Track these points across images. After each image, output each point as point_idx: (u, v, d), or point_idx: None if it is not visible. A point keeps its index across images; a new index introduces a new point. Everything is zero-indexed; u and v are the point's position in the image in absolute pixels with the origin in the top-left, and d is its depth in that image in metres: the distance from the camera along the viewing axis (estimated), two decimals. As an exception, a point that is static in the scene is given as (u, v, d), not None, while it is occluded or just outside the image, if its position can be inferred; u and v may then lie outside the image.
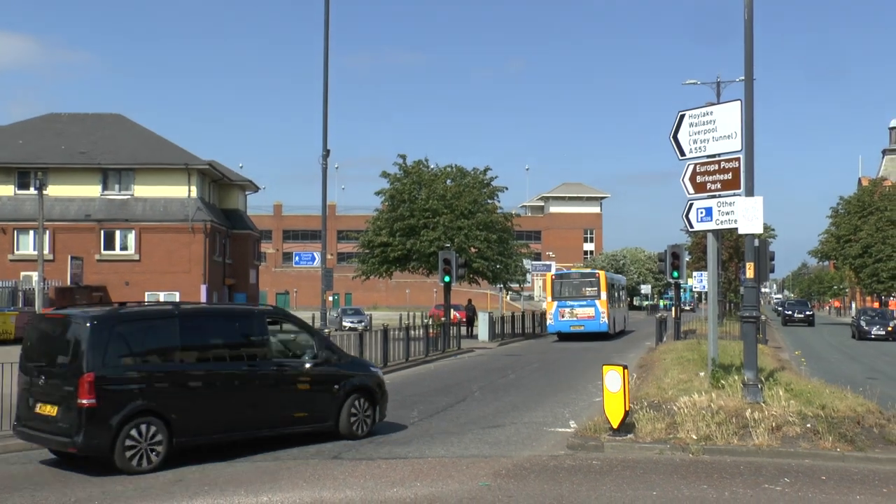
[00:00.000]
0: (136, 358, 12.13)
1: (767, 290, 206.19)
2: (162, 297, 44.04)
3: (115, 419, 11.51)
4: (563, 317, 41.81)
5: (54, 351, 12.25)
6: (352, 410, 14.19)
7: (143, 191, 44.78)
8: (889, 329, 44.78)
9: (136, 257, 44.29)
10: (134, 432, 11.65)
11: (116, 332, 12.00)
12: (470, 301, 50.67)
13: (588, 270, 51.35)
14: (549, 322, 43.18)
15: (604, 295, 41.82)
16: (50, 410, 11.85)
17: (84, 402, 11.33)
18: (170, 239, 44.17)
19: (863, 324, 46.12)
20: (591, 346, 37.37)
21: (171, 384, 12.21)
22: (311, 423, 13.87)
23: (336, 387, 14.12)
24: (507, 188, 45.20)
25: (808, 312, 65.86)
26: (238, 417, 12.89)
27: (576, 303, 41.69)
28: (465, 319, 44.72)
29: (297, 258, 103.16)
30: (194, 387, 12.50)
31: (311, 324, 17.47)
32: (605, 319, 41.57)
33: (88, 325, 11.78)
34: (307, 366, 13.83)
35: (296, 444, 13.77)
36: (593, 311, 41.28)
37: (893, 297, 72.21)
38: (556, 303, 42.27)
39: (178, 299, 43.99)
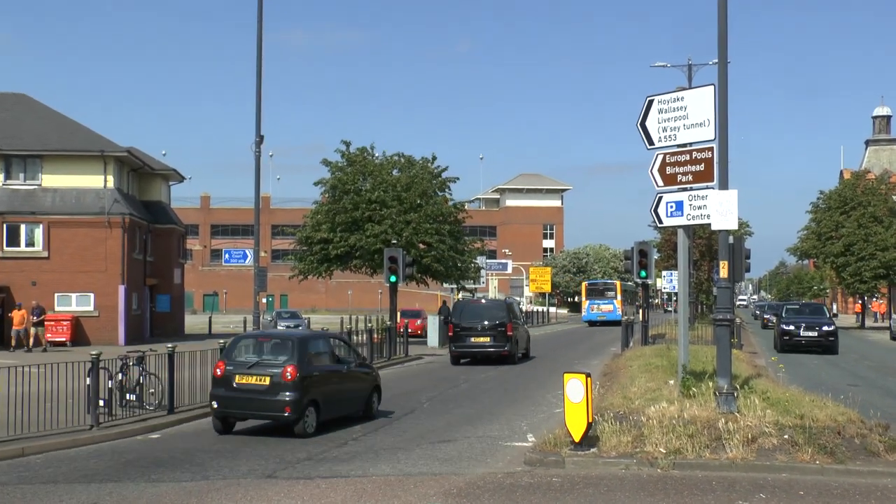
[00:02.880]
0: (513, 316, 33.62)
1: (750, 293, 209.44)
2: (74, 298, 43.34)
3: (514, 340, 32.40)
4: (592, 310, 67.65)
5: (484, 315, 32.51)
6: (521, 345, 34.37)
7: (52, 180, 43.92)
8: None
9: (45, 254, 43.43)
10: (520, 345, 33.87)
11: (509, 305, 34.83)
12: (444, 303, 51.41)
13: (609, 280, 77.17)
14: (583, 314, 69.76)
15: (619, 296, 67.53)
16: (485, 340, 32.05)
17: (509, 333, 31.90)
18: (83, 234, 43.38)
19: None
20: (556, 350, 37.77)
21: (517, 327, 33.55)
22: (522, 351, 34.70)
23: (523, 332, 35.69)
24: (458, 178, 45.46)
25: (826, 327, 38.32)
26: (524, 345, 34.92)
27: (601, 301, 67.78)
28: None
29: (226, 256, 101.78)
30: (518, 326, 34.13)
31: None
32: (620, 312, 63.26)
33: (505, 303, 35.61)
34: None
35: (227, 458, 13.70)
36: (612, 307, 66.31)
37: (877, 297, 73.84)
38: (588, 301, 68.62)
39: (92, 301, 43.37)
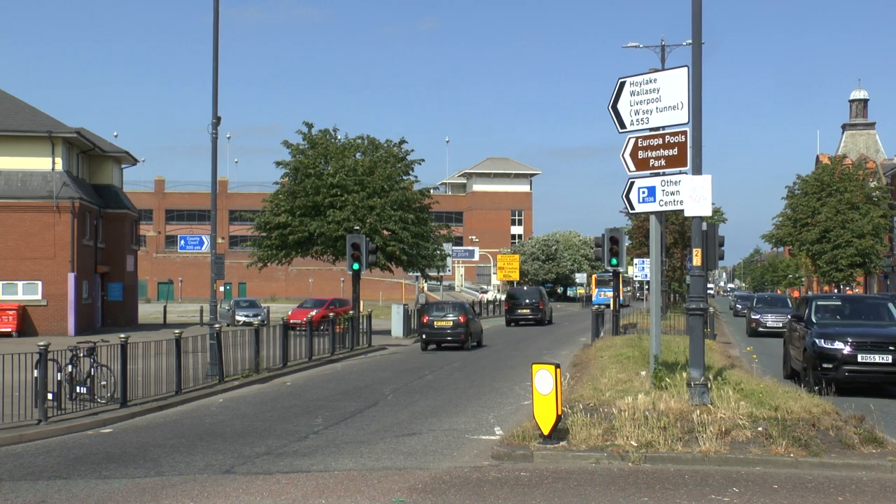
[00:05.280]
0: (544, 297, 56.75)
1: (725, 281, 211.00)
2: (20, 286, 42.90)
3: (544, 311, 55.16)
4: (600, 296, 79.49)
5: (526, 296, 55.87)
6: (548, 315, 56.65)
7: (-4, 162, 43.45)
8: None
9: (-11, 240, 43.01)
10: (547, 314, 57.45)
11: (541, 290, 58.22)
12: (422, 291, 52.46)
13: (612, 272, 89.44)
14: (594, 298, 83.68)
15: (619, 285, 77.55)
16: (526, 311, 54.27)
17: (541, 307, 54.41)
18: (29, 219, 42.97)
19: None
20: (526, 337, 37.92)
21: (546, 304, 57.25)
22: (548, 319, 56.81)
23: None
24: (423, 160, 45.46)
25: None
26: (550, 315, 58.08)
27: (607, 289, 78.08)
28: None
29: (182, 242, 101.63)
30: (546, 303, 57.42)
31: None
32: (622, 298, 78.08)
33: (539, 288, 59.78)
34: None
35: (182, 453, 13.63)
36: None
37: (852, 286, 74.62)
38: (597, 289, 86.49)
39: (40, 289, 42.98)
